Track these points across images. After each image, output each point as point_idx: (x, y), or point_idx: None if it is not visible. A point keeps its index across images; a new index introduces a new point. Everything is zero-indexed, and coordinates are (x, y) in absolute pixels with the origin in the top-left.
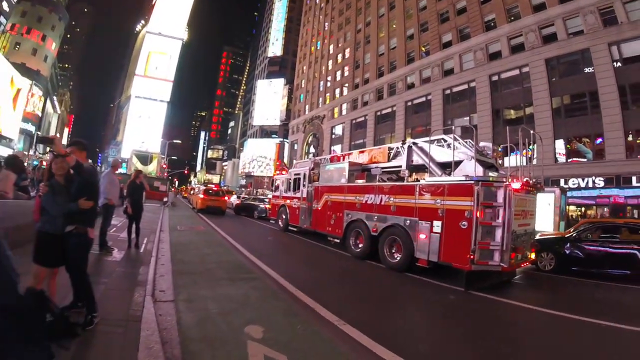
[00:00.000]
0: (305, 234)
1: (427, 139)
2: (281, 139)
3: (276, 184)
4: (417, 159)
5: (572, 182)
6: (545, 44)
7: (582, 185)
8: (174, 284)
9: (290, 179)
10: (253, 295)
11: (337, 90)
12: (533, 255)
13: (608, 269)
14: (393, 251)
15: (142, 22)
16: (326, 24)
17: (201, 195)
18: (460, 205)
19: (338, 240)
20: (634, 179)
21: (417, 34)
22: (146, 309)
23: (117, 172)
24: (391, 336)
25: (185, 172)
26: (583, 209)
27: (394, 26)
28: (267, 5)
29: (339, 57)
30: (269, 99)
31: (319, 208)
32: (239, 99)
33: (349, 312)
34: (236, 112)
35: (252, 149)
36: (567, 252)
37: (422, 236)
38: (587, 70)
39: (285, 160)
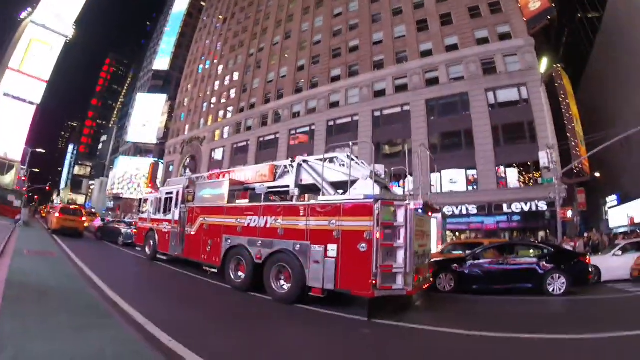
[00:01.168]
0: (177, 263)
1: (319, 157)
2: (156, 159)
3: (144, 205)
4: (308, 178)
5: (447, 210)
6: (428, 86)
7: (457, 212)
8: None
9: (160, 199)
10: (109, 352)
11: (221, 112)
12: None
13: (509, 284)
14: (281, 280)
15: (29, 9)
16: (219, 44)
17: (57, 214)
18: (358, 226)
19: (215, 270)
20: (504, 206)
21: (308, 66)
22: None
23: None
24: None
25: (48, 188)
26: (457, 233)
27: (287, 55)
28: (162, 17)
29: (227, 79)
30: (147, 115)
31: (193, 233)
32: (115, 112)
33: None
34: (111, 125)
35: (124, 167)
36: (467, 271)
37: (316, 262)
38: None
39: (159, 182)
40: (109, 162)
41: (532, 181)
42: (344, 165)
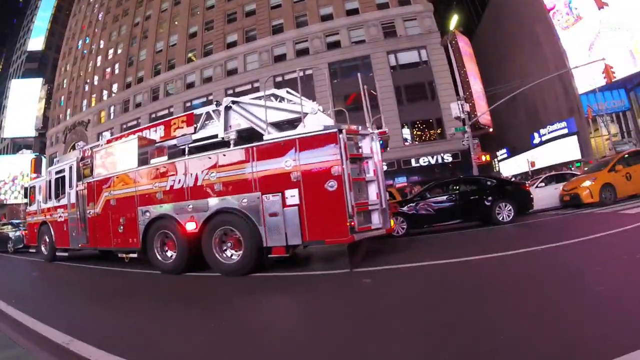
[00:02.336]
0: (85, 258)
1: (253, 95)
2: (37, 154)
3: (31, 194)
4: (241, 122)
5: None
6: (330, 49)
7: None
8: None
9: (49, 182)
10: None
11: (106, 92)
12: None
13: (459, 218)
14: (227, 249)
15: None
16: (100, 14)
17: None
18: (322, 162)
19: (135, 255)
20: (412, 161)
21: (201, 32)
22: None
23: None
24: None
25: None
26: None
27: (176, 22)
28: None
29: (111, 52)
30: (24, 104)
31: (98, 213)
32: None
33: None
34: None
35: (4, 168)
36: (417, 212)
37: (273, 215)
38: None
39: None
40: None
41: (435, 136)
42: (285, 101)
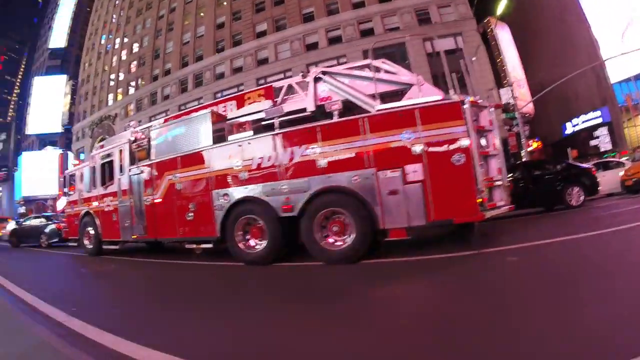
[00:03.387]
0: (131, 251)
1: (345, 66)
2: (63, 149)
3: (71, 183)
4: (333, 95)
5: None
6: (363, 37)
7: None
8: None
9: (94, 168)
10: None
11: (133, 84)
12: None
13: (528, 203)
14: (331, 233)
15: None
16: (122, 10)
17: None
18: (447, 134)
19: (210, 245)
20: None
21: (229, 23)
22: None
23: None
24: None
25: None
26: None
27: (202, 14)
28: None
29: (136, 46)
30: (48, 100)
31: (159, 200)
32: (12, 105)
33: None
34: (8, 120)
35: (30, 165)
36: None
37: (392, 193)
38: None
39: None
40: (11, 163)
41: None
42: (383, 72)
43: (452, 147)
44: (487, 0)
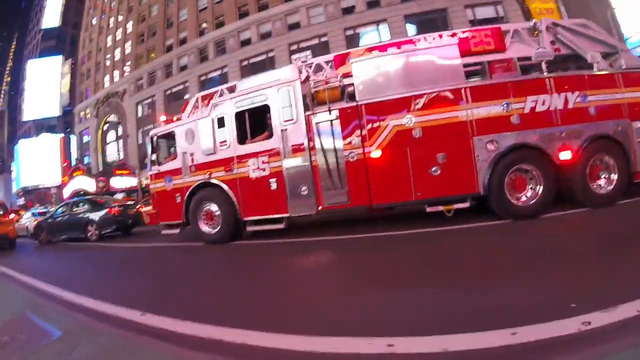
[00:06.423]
0: (299, 231)
1: (570, 20)
2: (63, 134)
3: (165, 146)
4: (562, 46)
5: None
6: (404, 1)
7: None
8: None
9: (221, 119)
10: None
11: (144, 57)
12: None
13: None
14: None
15: None
16: None
17: None
18: None
19: (467, 204)
20: None
21: None
22: None
23: None
24: None
25: None
26: None
27: None
28: None
29: (144, 15)
30: (44, 84)
31: (377, 153)
32: (1, 95)
33: None
34: None
35: (28, 154)
36: None
37: None
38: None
39: (74, 160)
40: (7, 154)
41: None
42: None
43: None
44: None
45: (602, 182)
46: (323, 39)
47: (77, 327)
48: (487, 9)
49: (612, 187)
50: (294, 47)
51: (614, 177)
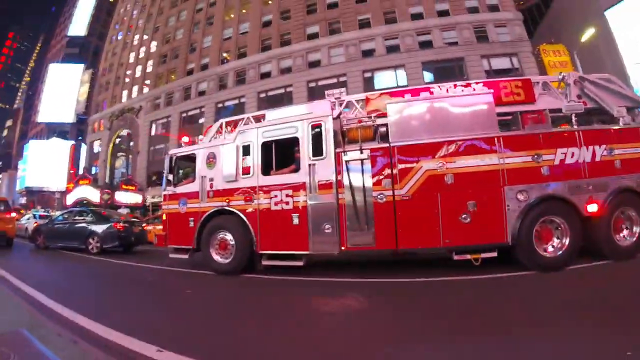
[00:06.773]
0: (324, 269)
1: (596, 75)
2: (74, 141)
3: (185, 168)
4: (588, 100)
5: None
6: (422, 49)
7: None
8: None
9: (249, 147)
10: None
11: (163, 77)
12: None
13: None
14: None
15: None
16: (153, 1)
17: None
18: None
19: (495, 254)
20: None
21: (276, 22)
22: None
23: None
24: None
25: None
26: None
27: (244, 11)
28: None
29: (169, 37)
30: (62, 89)
31: (407, 196)
32: (19, 93)
33: None
34: (15, 107)
35: (36, 154)
36: None
37: None
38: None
39: (81, 168)
40: (16, 151)
41: None
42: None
43: None
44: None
45: (625, 233)
46: (342, 79)
47: (78, 356)
48: (502, 60)
49: (635, 239)
50: (313, 84)
51: (637, 229)
